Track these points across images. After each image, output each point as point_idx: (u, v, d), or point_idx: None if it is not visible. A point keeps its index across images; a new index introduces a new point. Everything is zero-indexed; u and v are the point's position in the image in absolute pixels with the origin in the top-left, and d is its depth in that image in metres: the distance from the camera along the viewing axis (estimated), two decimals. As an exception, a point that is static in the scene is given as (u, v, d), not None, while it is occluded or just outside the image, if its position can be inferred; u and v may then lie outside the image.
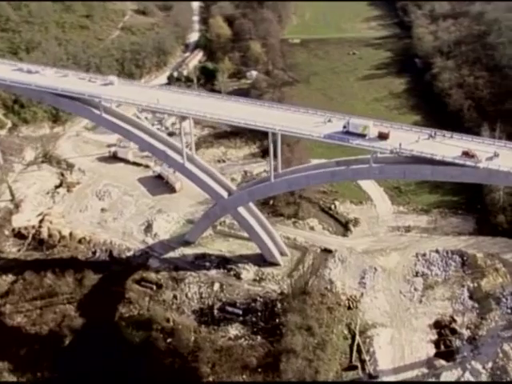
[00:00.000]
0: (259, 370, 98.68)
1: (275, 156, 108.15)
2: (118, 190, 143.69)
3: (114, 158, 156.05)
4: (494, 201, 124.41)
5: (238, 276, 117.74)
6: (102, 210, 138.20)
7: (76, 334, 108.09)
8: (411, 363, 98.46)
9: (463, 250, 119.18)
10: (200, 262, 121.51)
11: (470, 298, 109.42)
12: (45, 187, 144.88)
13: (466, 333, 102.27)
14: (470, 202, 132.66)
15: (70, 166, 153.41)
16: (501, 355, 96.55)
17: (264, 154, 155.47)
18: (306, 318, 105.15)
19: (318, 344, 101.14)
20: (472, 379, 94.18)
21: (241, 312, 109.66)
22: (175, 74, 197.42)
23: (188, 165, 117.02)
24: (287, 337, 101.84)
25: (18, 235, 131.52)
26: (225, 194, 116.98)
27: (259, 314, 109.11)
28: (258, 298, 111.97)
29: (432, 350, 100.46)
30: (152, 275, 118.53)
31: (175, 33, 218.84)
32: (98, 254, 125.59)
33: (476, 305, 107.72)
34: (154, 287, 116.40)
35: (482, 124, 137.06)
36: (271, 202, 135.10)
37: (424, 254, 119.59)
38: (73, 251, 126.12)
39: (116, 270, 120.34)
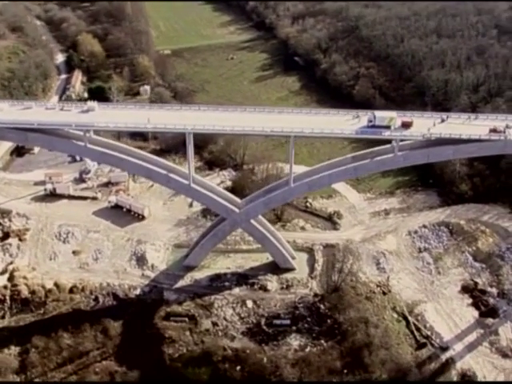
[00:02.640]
0: (345, 370, 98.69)
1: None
2: (79, 228, 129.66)
3: (52, 195, 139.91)
4: (455, 173, 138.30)
5: (264, 288, 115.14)
6: (74, 252, 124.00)
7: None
8: (466, 328, 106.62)
9: (446, 220, 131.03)
10: (218, 284, 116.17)
11: (475, 260, 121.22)
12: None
13: (494, 290, 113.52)
14: (422, 179, 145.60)
15: (6, 213, 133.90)
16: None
17: (210, 165, 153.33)
18: (358, 312, 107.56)
19: (382, 332, 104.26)
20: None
21: (289, 322, 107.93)
22: (65, 97, 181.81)
23: (194, 185, 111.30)
24: (352, 333, 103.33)
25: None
26: (235, 208, 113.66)
27: (308, 319, 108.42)
28: (298, 305, 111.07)
29: (475, 312, 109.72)
30: (178, 308, 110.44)
31: (38, 56, 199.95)
32: (101, 300, 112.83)
33: (483, 265, 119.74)
34: (187, 319, 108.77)
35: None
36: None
37: (416, 232, 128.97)
38: (70, 303, 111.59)
39: (134, 312, 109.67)
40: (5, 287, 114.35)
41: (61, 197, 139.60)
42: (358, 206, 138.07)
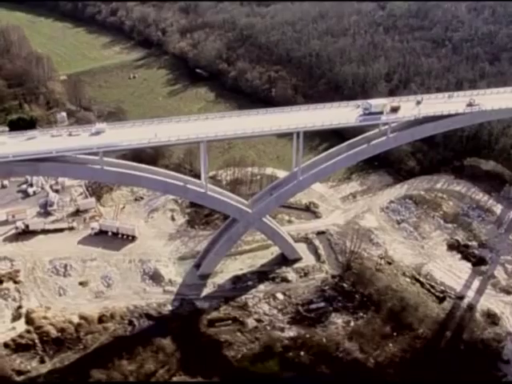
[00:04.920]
0: (394, 333, 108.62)
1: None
2: (73, 260, 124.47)
3: (25, 232, 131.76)
4: (402, 152, 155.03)
5: (286, 280, 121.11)
6: (82, 283, 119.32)
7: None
8: (468, 277, 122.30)
9: (408, 193, 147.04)
10: (241, 285, 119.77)
11: (446, 222, 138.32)
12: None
13: (474, 243, 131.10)
14: (368, 163, 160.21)
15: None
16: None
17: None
18: (378, 283, 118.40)
19: (408, 295, 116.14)
20: (510, 268, 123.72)
21: (324, 304, 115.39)
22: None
23: (209, 192, 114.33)
24: (384, 301, 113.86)
25: (18, 349, 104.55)
26: (248, 209, 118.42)
27: (338, 298, 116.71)
28: (323, 288, 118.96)
29: (468, 264, 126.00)
30: (217, 314, 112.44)
31: None
32: (137, 323, 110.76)
33: (455, 225, 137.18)
34: (230, 322, 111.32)
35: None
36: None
37: (387, 207, 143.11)
38: (107, 333, 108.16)
39: (177, 327, 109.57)
40: (28, 332, 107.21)
41: (35, 233, 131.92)
42: (326, 195, 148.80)
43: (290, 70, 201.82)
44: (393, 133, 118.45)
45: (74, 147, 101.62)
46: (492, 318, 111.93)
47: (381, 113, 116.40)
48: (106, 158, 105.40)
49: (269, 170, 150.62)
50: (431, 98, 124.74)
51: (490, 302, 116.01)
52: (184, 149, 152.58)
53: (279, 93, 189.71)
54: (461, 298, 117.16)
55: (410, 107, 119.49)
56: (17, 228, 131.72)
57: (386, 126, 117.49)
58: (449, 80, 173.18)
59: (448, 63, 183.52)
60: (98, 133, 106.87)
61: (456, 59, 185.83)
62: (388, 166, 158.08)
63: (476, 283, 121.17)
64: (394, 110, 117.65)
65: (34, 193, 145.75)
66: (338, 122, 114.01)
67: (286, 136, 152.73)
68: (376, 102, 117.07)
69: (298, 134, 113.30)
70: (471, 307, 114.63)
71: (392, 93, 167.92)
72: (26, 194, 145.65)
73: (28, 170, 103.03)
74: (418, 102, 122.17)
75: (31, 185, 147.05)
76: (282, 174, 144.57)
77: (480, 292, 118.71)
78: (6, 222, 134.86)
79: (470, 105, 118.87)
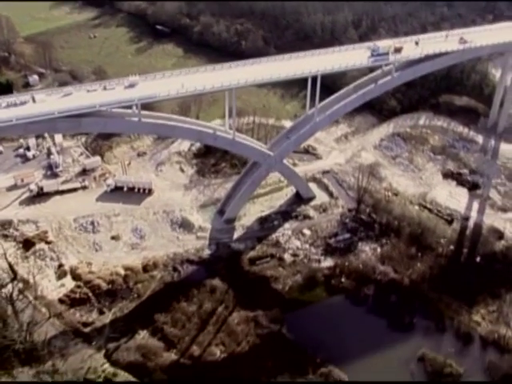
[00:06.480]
0: (419, 254, 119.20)
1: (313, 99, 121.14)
2: (97, 217, 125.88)
3: (40, 195, 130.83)
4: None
5: (308, 217, 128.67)
6: (114, 238, 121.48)
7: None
8: (467, 201, 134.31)
9: (395, 131, 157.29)
10: (268, 225, 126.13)
11: (435, 154, 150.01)
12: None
13: (466, 171, 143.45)
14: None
15: (7, 224, 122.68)
16: (501, 168, 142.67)
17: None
18: (392, 212, 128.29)
19: (423, 220, 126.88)
20: (503, 189, 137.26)
21: (349, 235, 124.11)
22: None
23: (237, 138, 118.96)
24: (403, 227, 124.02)
25: (74, 304, 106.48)
26: (270, 152, 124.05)
27: (360, 229, 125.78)
28: (344, 221, 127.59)
29: (464, 190, 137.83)
30: (255, 253, 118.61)
31: None
32: (181, 268, 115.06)
33: (444, 156, 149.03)
34: (269, 259, 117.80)
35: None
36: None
37: (379, 145, 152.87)
38: (155, 280, 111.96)
39: (221, 268, 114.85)
40: (78, 287, 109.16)
41: (49, 194, 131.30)
42: (320, 137, 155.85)
43: (255, 22, 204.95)
44: (397, 72, 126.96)
45: (115, 100, 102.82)
46: (497, 234, 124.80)
47: (387, 53, 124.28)
48: (143, 111, 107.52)
49: (271, 120, 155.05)
50: (425, 39, 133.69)
51: (492, 220, 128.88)
52: (177, 102, 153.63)
53: (250, 45, 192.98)
54: (466, 219, 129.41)
55: (411, 47, 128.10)
56: (31, 191, 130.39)
57: (390, 66, 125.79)
58: (413, 25, 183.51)
59: (408, 9, 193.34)
60: (131, 86, 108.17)
61: (414, 4, 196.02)
62: (370, 107, 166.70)
63: (475, 205, 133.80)
64: (398, 50, 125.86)
65: (34, 156, 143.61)
66: (353, 64, 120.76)
67: (267, 86, 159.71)
68: (383, 44, 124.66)
69: (314, 78, 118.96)
70: (478, 226, 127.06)
71: (361, 39, 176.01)
72: (25, 158, 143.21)
73: (70, 126, 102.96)
74: (416, 43, 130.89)
75: (28, 148, 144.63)
76: (285, 122, 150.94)
77: (481, 212, 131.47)
78: (15, 187, 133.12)
79: (463, 43, 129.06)
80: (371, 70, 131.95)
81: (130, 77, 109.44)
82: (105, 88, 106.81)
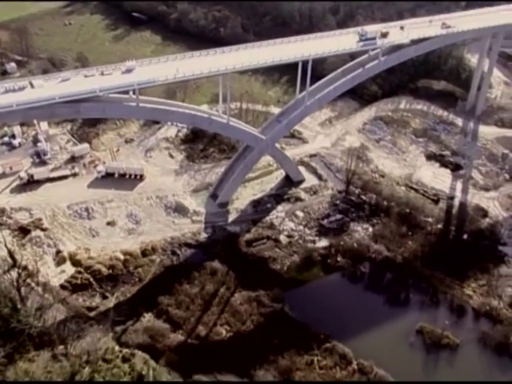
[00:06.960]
0: (409, 232, 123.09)
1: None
2: (90, 203, 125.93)
3: (30, 182, 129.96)
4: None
5: (300, 199, 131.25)
6: (110, 223, 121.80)
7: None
8: (451, 181, 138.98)
9: (377, 115, 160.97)
10: (261, 208, 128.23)
11: (417, 137, 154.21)
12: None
13: (448, 153, 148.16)
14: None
15: (0, 213, 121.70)
16: (481, 150, 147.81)
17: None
18: (381, 193, 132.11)
19: (410, 199, 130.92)
20: (484, 170, 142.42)
21: (341, 216, 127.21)
22: None
23: (231, 123, 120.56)
24: (391, 207, 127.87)
25: (76, 289, 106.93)
26: (262, 136, 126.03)
27: (351, 209, 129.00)
28: (335, 202, 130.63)
29: (447, 170, 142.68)
30: (251, 235, 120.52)
31: None
32: (179, 252, 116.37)
33: (425, 139, 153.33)
34: (265, 240, 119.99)
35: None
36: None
37: (363, 129, 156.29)
38: (155, 264, 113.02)
39: (219, 251, 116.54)
40: (79, 272, 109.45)
41: (39, 182, 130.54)
42: (305, 122, 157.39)
43: (233, 9, 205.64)
44: (383, 57, 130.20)
45: (115, 85, 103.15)
46: (482, 212, 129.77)
47: (374, 38, 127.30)
48: (141, 96, 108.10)
49: (258, 106, 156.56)
50: (410, 24, 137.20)
51: (476, 198, 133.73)
52: (163, 89, 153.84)
53: (229, 32, 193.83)
54: (451, 198, 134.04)
55: (397, 32, 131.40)
56: (21, 179, 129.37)
57: (377, 51, 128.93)
58: (389, 12, 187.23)
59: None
60: (129, 71, 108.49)
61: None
62: (352, 92, 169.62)
63: (459, 185, 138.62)
64: (384, 35, 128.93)
65: (20, 144, 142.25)
66: (343, 48, 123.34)
67: (248, 72, 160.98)
68: (371, 29, 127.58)
69: (305, 62, 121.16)
70: (462, 205, 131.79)
71: (339, 25, 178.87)
72: (11, 146, 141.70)
73: (70, 112, 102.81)
74: (402, 28, 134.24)
75: (14, 136, 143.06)
76: (271, 108, 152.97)
77: (465, 192, 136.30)
78: (3, 175, 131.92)
79: (446, 28, 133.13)
80: (352, 56, 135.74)
81: (128, 62, 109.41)
82: (102, 73, 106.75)
